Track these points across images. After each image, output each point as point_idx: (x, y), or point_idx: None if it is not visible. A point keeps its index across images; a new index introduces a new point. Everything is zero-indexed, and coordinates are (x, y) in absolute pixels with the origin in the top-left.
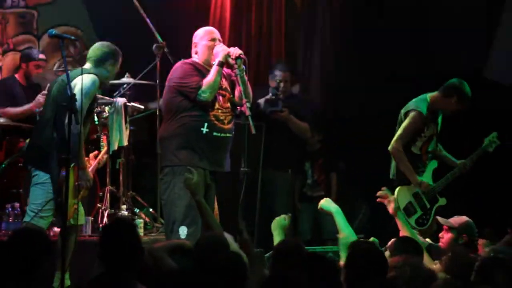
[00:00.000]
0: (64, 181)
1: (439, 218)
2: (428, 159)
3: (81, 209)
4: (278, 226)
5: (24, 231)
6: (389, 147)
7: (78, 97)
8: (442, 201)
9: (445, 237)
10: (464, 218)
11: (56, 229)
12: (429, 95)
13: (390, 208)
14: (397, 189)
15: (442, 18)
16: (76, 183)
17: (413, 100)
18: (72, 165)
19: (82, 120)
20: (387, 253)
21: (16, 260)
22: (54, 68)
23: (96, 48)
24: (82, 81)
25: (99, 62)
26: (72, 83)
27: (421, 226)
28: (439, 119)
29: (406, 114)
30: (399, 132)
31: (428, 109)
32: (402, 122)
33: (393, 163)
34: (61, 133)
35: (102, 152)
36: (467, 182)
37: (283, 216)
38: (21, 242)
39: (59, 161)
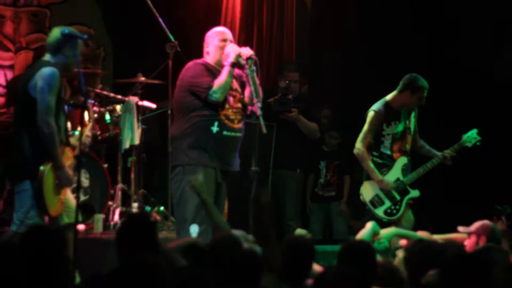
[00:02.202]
0: (43, 178)
1: (460, 228)
2: (402, 156)
3: (73, 206)
4: None
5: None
6: (354, 150)
7: (40, 96)
8: (414, 193)
9: (468, 243)
10: (483, 222)
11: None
12: (388, 96)
13: None
14: (363, 183)
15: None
16: (56, 181)
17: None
18: (50, 164)
19: (53, 118)
20: (401, 254)
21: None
22: None
23: (51, 35)
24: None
25: (56, 49)
26: (32, 81)
27: (391, 216)
28: (412, 116)
29: (366, 117)
30: (360, 134)
31: (385, 107)
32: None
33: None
34: (33, 135)
35: (87, 129)
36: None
37: (303, 233)
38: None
39: (34, 165)
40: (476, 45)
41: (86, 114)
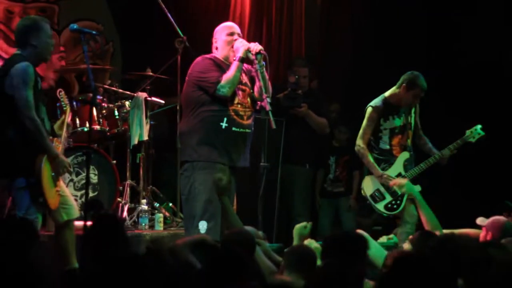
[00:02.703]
0: (40, 172)
1: (478, 220)
2: (402, 151)
3: (73, 202)
4: (297, 233)
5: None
6: (355, 146)
7: (18, 93)
8: (416, 188)
9: (481, 236)
10: (494, 218)
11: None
12: (387, 91)
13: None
14: (364, 178)
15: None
16: (52, 173)
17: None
18: (45, 157)
19: (34, 112)
20: (407, 246)
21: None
22: None
23: (16, 30)
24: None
25: (23, 42)
26: (8, 79)
27: (391, 211)
28: (413, 112)
29: (364, 113)
30: (360, 131)
31: (383, 102)
32: None
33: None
34: (19, 132)
35: (64, 117)
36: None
37: (304, 223)
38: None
39: (26, 161)
40: (485, 37)
41: (94, 110)
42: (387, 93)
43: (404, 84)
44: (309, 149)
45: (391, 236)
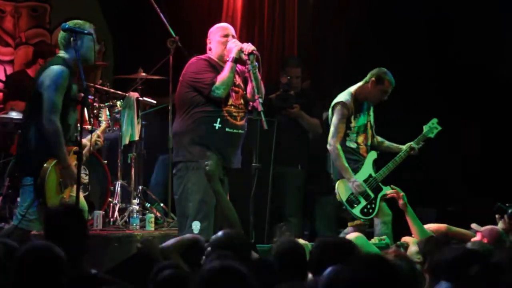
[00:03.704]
0: (45, 175)
1: (473, 225)
2: (368, 151)
3: (84, 204)
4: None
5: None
6: (327, 145)
7: (46, 94)
8: (386, 189)
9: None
10: (492, 227)
11: None
12: (353, 87)
13: (400, 203)
14: (337, 182)
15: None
16: (60, 179)
17: (339, 94)
18: (54, 162)
19: (58, 117)
20: (414, 249)
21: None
22: None
23: (59, 34)
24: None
25: (64, 44)
26: (40, 79)
27: (367, 216)
28: (371, 111)
29: (332, 110)
30: (331, 129)
31: (351, 99)
32: (331, 119)
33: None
34: (39, 131)
35: (99, 130)
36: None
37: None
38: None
39: (38, 162)
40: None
41: (102, 113)
42: (352, 89)
43: (372, 79)
44: (302, 150)
45: (383, 237)
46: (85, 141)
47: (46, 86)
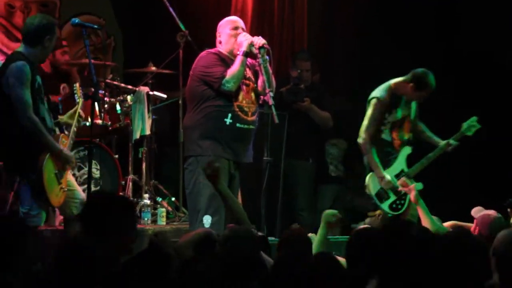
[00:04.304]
0: (42, 170)
1: (474, 210)
2: (402, 145)
3: (83, 196)
4: (325, 220)
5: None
6: (358, 139)
7: (14, 92)
8: (418, 186)
9: (472, 227)
10: (484, 213)
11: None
12: (392, 81)
13: (412, 196)
14: (368, 176)
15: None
16: (55, 171)
17: (377, 87)
18: (47, 155)
19: (31, 111)
20: None
21: None
22: None
23: (29, 24)
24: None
25: (34, 41)
26: (5, 77)
27: (395, 211)
28: (413, 105)
29: (368, 104)
30: (364, 122)
31: (388, 94)
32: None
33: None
34: (20, 130)
35: (77, 108)
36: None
37: (333, 211)
38: None
39: (29, 159)
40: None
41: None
42: (392, 83)
43: (412, 84)
44: (312, 144)
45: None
46: (64, 118)
47: (11, 85)
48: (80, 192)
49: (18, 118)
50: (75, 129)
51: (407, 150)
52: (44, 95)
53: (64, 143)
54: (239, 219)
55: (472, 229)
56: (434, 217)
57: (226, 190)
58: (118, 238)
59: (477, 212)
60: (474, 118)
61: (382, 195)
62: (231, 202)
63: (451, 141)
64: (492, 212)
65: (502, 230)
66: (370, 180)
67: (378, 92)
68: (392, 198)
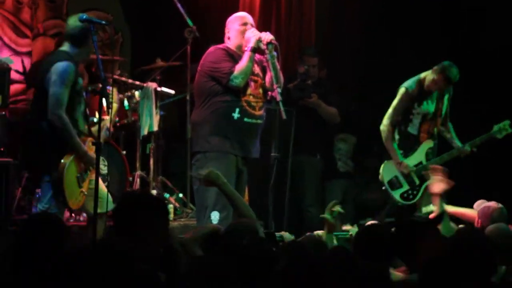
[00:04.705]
0: (63, 171)
1: (477, 203)
2: (428, 139)
3: (105, 195)
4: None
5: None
6: (381, 126)
7: (52, 89)
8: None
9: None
10: (485, 205)
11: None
12: (423, 74)
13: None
14: (384, 163)
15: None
16: (78, 174)
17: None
18: (72, 157)
19: (64, 111)
20: None
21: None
22: None
23: (74, 24)
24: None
25: (79, 42)
26: (48, 75)
27: (406, 201)
28: (445, 99)
29: (397, 93)
30: (389, 110)
31: (417, 85)
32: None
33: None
34: (49, 128)
35: (107, 120)
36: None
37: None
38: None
39: (53, 158)
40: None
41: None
42: (422, 76)
43: (440, 74)
44: (320, 139)
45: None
46: (94, 130)
47: (52, 81)
48: (104, 191)
49: (47, 113)
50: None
51: (429, 143)
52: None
53: (91, 147)
54: (246, 216)
55: (475, 222)
56: None
57: (230, 189)
58: (150, 238)
59: (479, 205)
60: (507, 122)
61: (394, 183)
62: (238, 201)
63: (466, 147)
64: (492, 204)
65: (503, 221)
66: (383, 168)
67: (407, 82)
68: (405, 187)
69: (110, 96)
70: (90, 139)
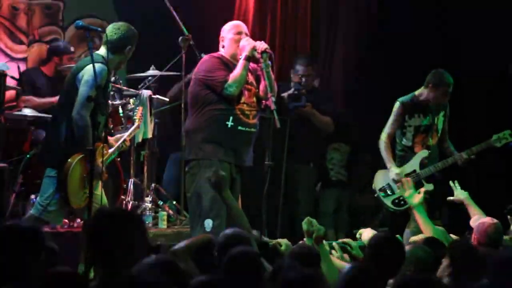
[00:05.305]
0: (69, 170)
1: (473, 219)
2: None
3: (105, 200)
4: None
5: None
6: (379, 139)
7: (82, 88)
8: (428, 187)
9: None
10: (480, 221)
11: (80, 221)
12: (418, 90)
13: (407, 193)
14: (377, 172)
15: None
16: (84, 175)
17: None
18: (79, 157)
19: (88, 112)
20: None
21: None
22: None
23: (113, 32)
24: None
25: (117, 48)
26: (80, 73)
27: (398, 207)
28: (441, 115)
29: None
30: (386, 124)
31: (412, 99)
32: None
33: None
34: (70, 126)
35: (127, 134)
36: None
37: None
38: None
39: (65, 155)
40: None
41: (136, 113)
42: (417, 92)
43: (430, 84)
44: (313, 148)
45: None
46: (112, 140)
47: (84, 81)
48: (104, 198)
49: (72, 113)
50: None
51: (423, 153)
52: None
53: (104, 154)
54: (242, 227)
55: (472, 239)
56: (441, 228)
57: (231, 198)
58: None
59: (475, 221)
60: (507, 132)
61: (386, 191)
62: (235, 212)
63: (464, 154)
64: (487, 220)
65: (499, 237)
66: (377, 176)
67: (402, 97)
68: (397, 194)
69: (134, 114)
70: (104, 145)
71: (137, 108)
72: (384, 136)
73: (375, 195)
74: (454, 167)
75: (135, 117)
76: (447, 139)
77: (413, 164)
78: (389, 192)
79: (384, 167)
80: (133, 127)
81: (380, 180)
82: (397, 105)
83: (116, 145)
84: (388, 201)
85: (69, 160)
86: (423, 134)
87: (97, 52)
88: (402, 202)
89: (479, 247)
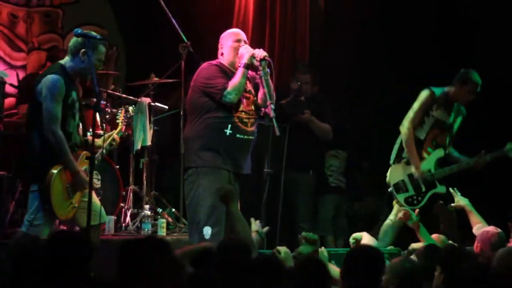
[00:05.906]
0: (50, 181)
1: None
2: (433, 147)
3: (99, 208)
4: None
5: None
6: (401, 127)
7: (44, 104)
8: (440, 189)
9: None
10: (484, 230)
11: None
12: (447, 87)
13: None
14: (392, 166)
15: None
16: (67, 185)
17: None
18: (59, 168)
19: (58, 126)
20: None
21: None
22: None
23: (71, 39)
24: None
25: (73, 53)
26: (39, 86)
27: (410, 205)
28: (459, 118)
29: (419, 96)
30: (409, 112)
31: (441, 93)
32: None
33: (395, 148)
34: (42, 138)
35: (115, 131)
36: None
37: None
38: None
39: (42, 168)
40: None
41: (120, 114)
42: (446, 88)
43: (458, 82)
44: (313, 155)
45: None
46: (99, 141)
47: (43, 96)
48: (97, 204)
49: (43, 129)
50: (104, 151)
51: (439, 153)
52: (78, 110)
53: (85, 161)
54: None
55: (474, 247)
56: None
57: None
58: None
59: (478, 230)
60: None
61: (400, 187)
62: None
63: (488, 157)
64: (490, 229)
65: (502, 246)
66: (390, 172)
67: (433, 88)
68: (411, 192)
69: (118, 116)
70: (85, 153)
71: (120, 110)
72: (408, 124)
73: (389, 190)
74: (454, 174)
75: (118, 120)
76: (451, 144)
77: (428, 163)
78: (403, 189)
79: (378, 171)
80: (119, 126)
81: (395, 175)
82: (426, 92)
83: (104, 145)
84: (401, 198)
85: (50, 171)
86: (439, 130)
87: (60, 61)
88: (415, 202)
89: (481, 255)
